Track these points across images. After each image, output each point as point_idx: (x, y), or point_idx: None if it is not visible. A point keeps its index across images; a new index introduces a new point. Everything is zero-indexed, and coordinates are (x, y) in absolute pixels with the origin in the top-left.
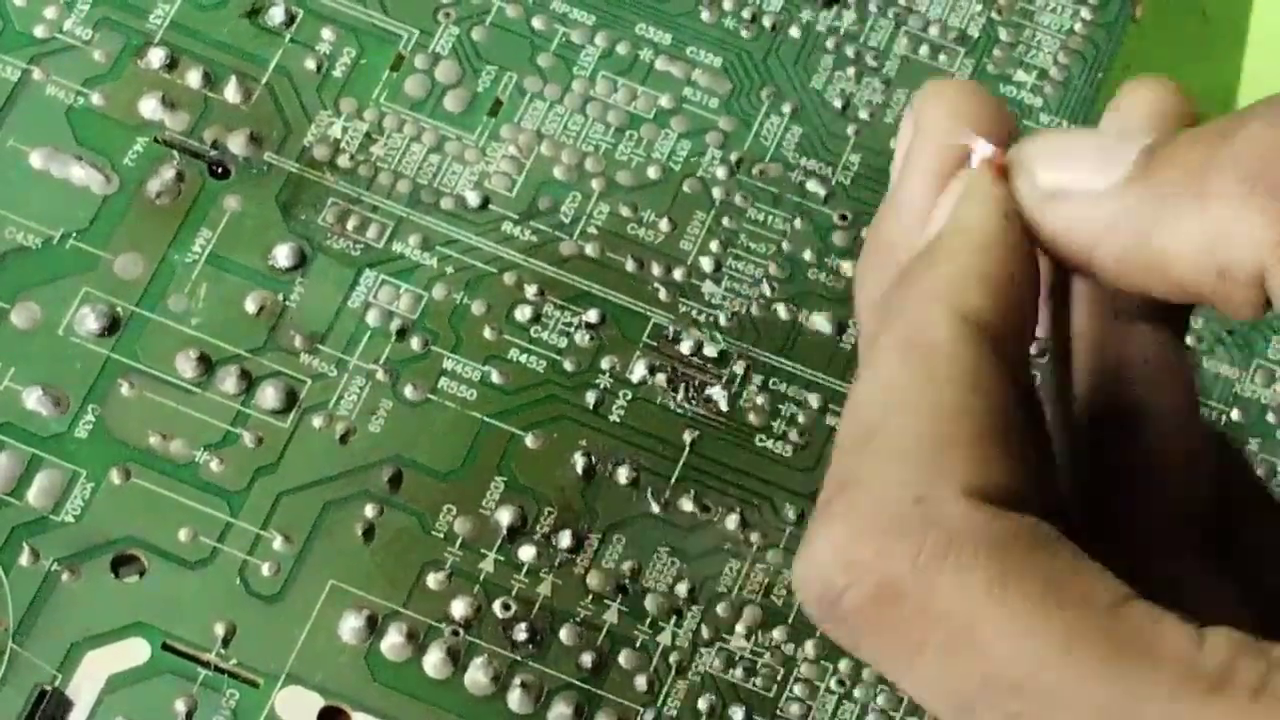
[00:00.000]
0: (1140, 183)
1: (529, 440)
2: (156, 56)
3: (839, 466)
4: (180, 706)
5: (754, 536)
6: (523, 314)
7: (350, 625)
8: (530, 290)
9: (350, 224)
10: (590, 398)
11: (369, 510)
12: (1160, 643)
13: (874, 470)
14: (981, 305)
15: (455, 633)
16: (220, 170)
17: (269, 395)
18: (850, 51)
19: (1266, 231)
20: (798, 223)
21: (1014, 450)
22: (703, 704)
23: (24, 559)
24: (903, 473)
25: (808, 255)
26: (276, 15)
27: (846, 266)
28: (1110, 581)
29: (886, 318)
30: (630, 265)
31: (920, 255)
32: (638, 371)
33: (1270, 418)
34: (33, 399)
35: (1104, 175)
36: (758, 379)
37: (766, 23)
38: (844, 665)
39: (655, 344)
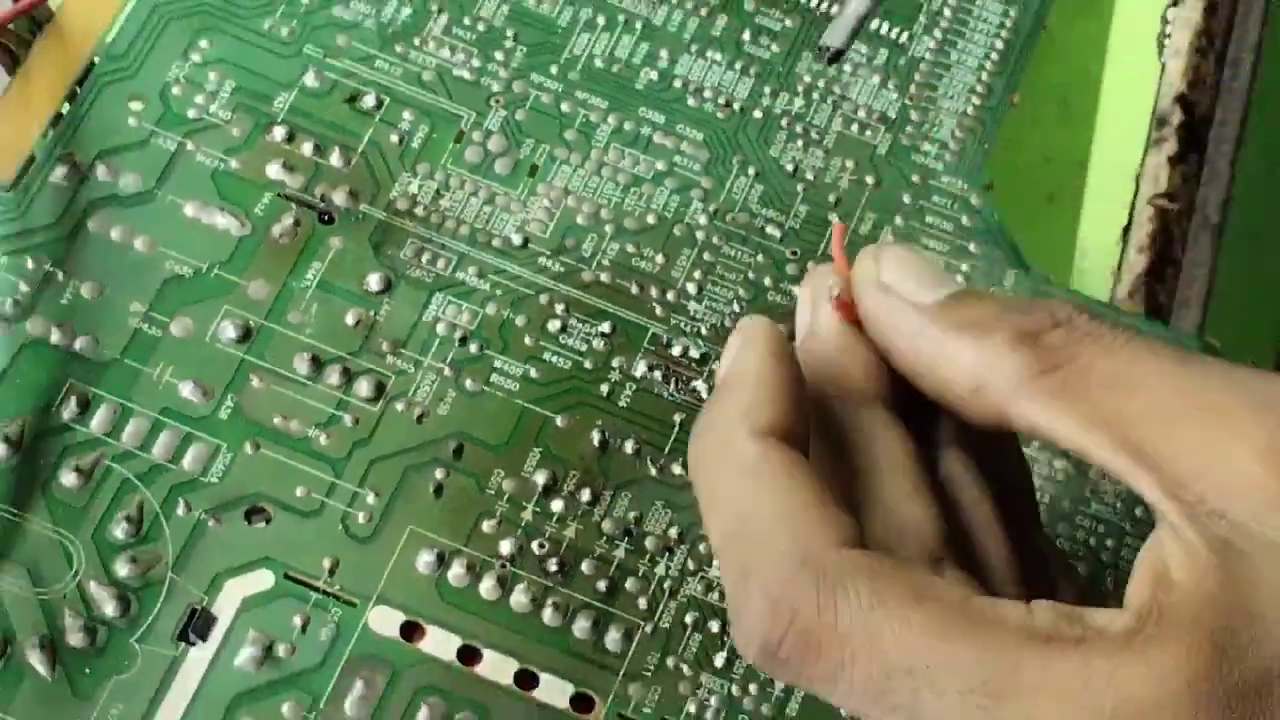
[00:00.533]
0: (951, 308)
1: (559, 421)
2: (279, 132)
3: (731, 559)
4: (297, 621)
5: None
6: (554, 326)
7: (424, 560)
8: (559, 308)
9: (424, 258)
10: (604, 389)
11: (438, 473)
12: (1002, 617)
13: (760, 554)
14: (771, 419)
15: (503, 565)
16: (327, 218)
17: (363, 387)
18: (799, 129)
19: (1016, 371)
20: (760, 257)
21: (841, 503)
22: (688, 619)
23: (180, 510)
24: (781, 547)
25: (767, 281)
26: (369, 101)
27: (795, 289)
28: (956, 585)
29: (700, 434)
30: (634, 289)
31: (716, 391)
32: (640, 369)
33: None
34: (186, 390)
35: (927, 293)
36: None
37: (737, 107)
38: None
39: (653, 348)
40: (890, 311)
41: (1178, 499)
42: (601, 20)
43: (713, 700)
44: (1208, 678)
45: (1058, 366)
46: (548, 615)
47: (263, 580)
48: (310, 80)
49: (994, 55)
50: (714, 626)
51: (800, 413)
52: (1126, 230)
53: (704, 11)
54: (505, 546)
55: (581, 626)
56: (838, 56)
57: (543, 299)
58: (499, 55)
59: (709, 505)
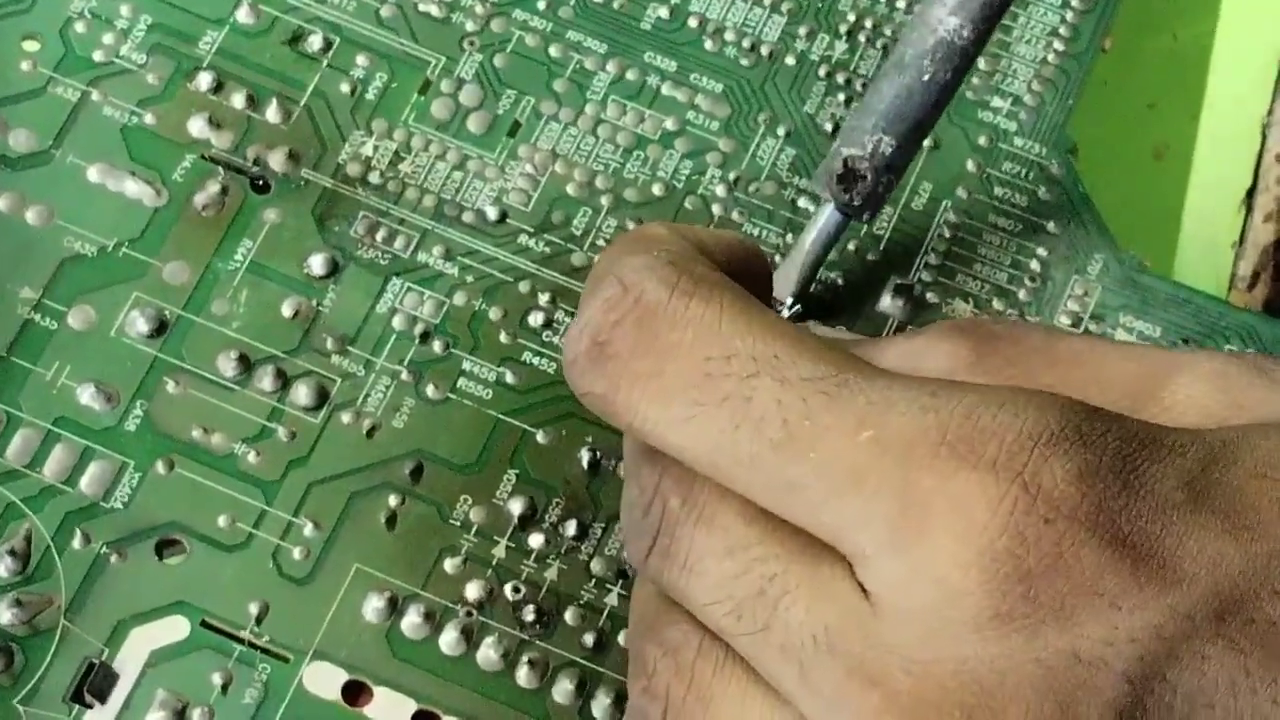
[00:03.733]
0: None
1: (539, 436)
2: (204, 80)
3: (597, 277)
4: (216, 679)
5: None
6: (536, 320)
7: (373, 605)
8: (543, 298)
9: (379, 235)
10: None
11: (392, 500)
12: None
13: (629, 257)
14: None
15: (469, 613)
16: (261, 185)
17: (302, 393)
18: (840, 79)
19: (955, 352)
20: (790, 237)
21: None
22: None
23: (76, 542)
24: (655, 252)
25: None
26: (315, 43)
27: (833, 276)
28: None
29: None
30: None
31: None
32: None
33: None
34: (86, 395)
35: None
36: None
37: (764, 52)
38: None
39: None
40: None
41: None
42: None
43: None
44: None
45: (990, 349)
46: (522, 675)
47: (176, 629)
48: (243, 16)
49: None
50: None
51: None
52: (1250, 194)
53: None
54: (472, 590)
55: (564, 689)
56: (794, 306)
57: (523, 287)
58: None
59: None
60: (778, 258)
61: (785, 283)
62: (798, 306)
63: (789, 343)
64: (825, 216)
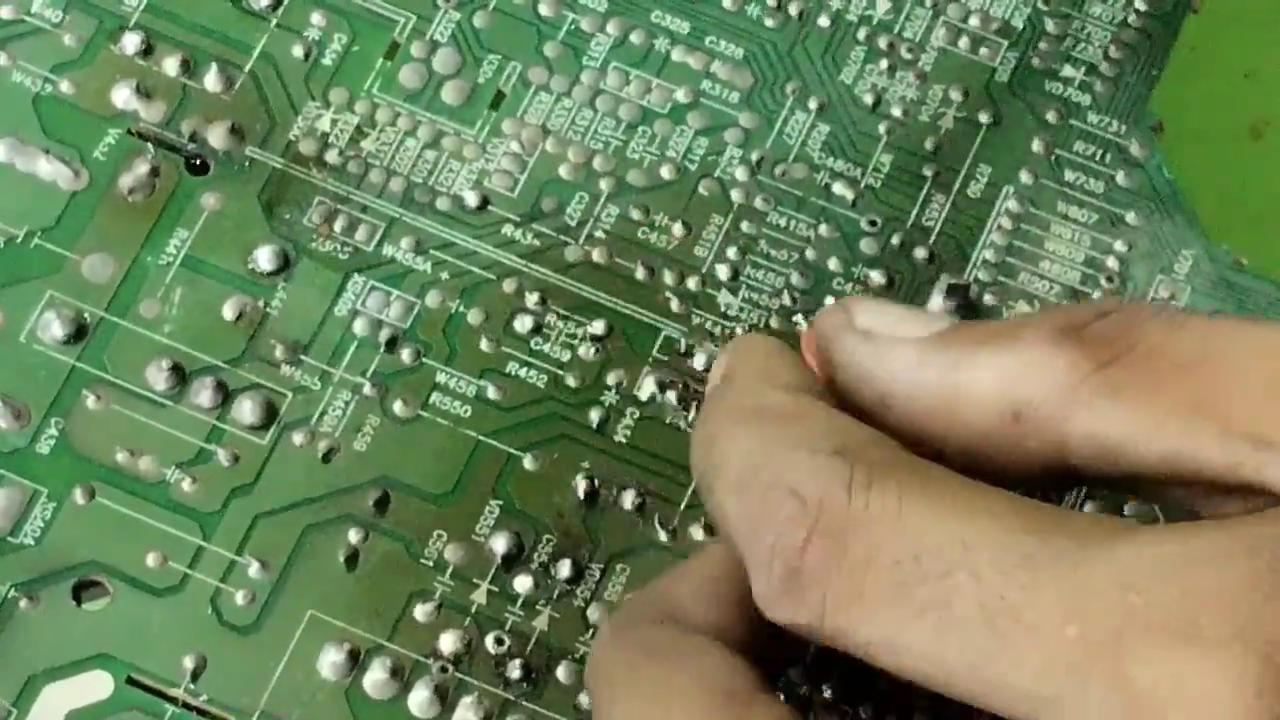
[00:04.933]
0: (952, 334)
1: (527, 461)
2: (131, 41)
3: (745, 495)
4: None
5: None
6: (523, 324)
7: (330, 659)
8: (531, 299)
9: (338, 225)
10: (594, 416)
11: (353, 535)
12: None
13: (784, 458)
14: (797, 377)
15: (444, 669)
16: (198, 165)
17: (246, 409)
18: (883, 43)
19: (1068, 373)
20: (823, 229)
21: None
22: None
23: None
24: (814, 443)
25: (833, 264)
26: None
27: (875, 276)
28: None
29: (707, 413)
30: (640, 273)
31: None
32: (646, 388)
33: None
34: None
35: (919, 328)
36: None
37: (793, 10)
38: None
39: (666, 358)
40: (880, 352)
41: None
42: None
43: None
44: None
45: (1118, 357)
46: None
47: (97, 686)
48: None
49: None
50: None
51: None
52: None
53: None
54: (447, 642)
55: None
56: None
57: (507, 285)
58: None
59: (719, 468)
60: (809, 252)
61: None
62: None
63: (974, 520)
64: None
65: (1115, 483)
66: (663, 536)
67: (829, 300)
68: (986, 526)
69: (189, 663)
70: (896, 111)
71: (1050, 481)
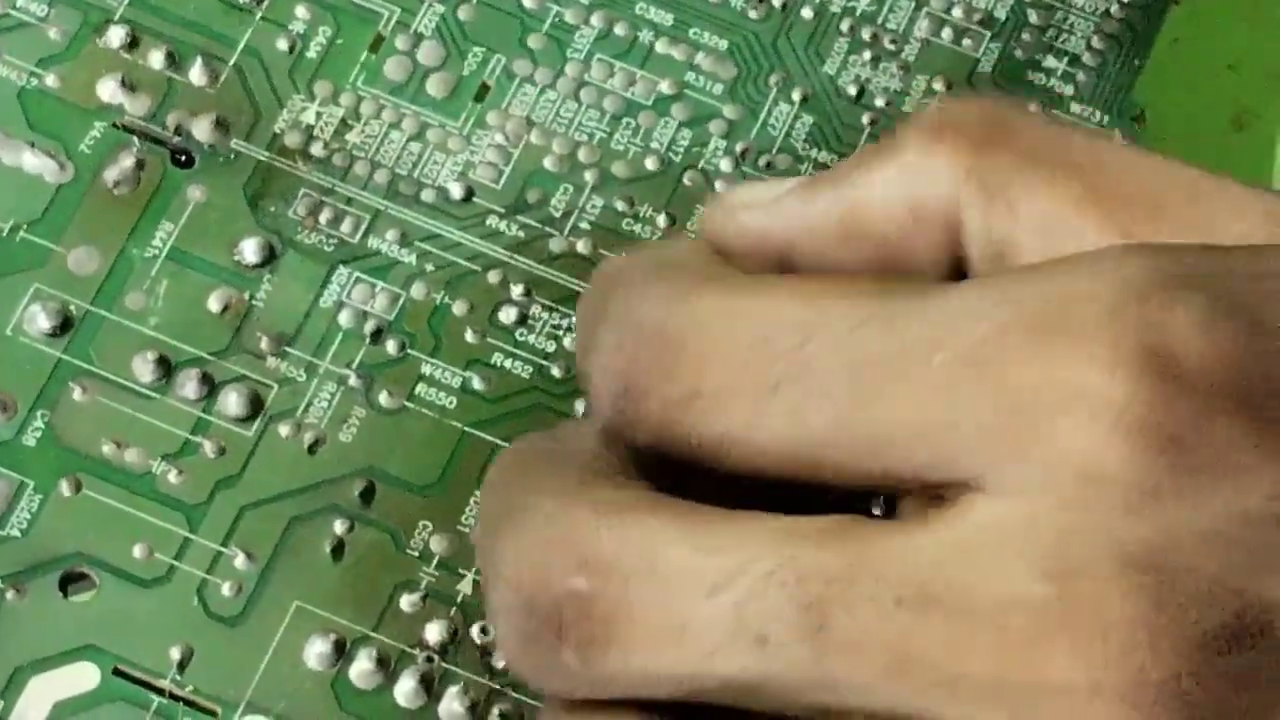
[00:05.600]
0: (833, 169)
1: None
2: (116, 35)
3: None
4: None
5: None
6: (508, 315)
7: (316, 650)
8: (516, 290)
9: (323, 217)
10: (579, 407)
11: (338, 526)
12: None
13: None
14: None
15: (429, 659)
16: (184, 158)
17: (232, 401)
18: (866, 34)
19: (956, 162)
20: None
21: None
22: None
23: None
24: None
25: None
26: None
27: None
28: None
29: None
30: None
31: None
32: None
33: None
34: None
35: (795, 182)
36: None
37: (776, 2)
38: None
39: None
40: (767, 214)
41: None
42: None
43: None
44: None
45: (1003, 144)
46: None
47: (83, 677)
48: None
49: None
50: None
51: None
52: None
53: None
54: (433, 632)
55: None
56: None
57: (492, 277)
58: None
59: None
60: None
61: None
62: None
63: (823, 294)
64: None
65: None
66: None
67: None
68: (828, 296)
69: (175, 654)
70: (880, 102)
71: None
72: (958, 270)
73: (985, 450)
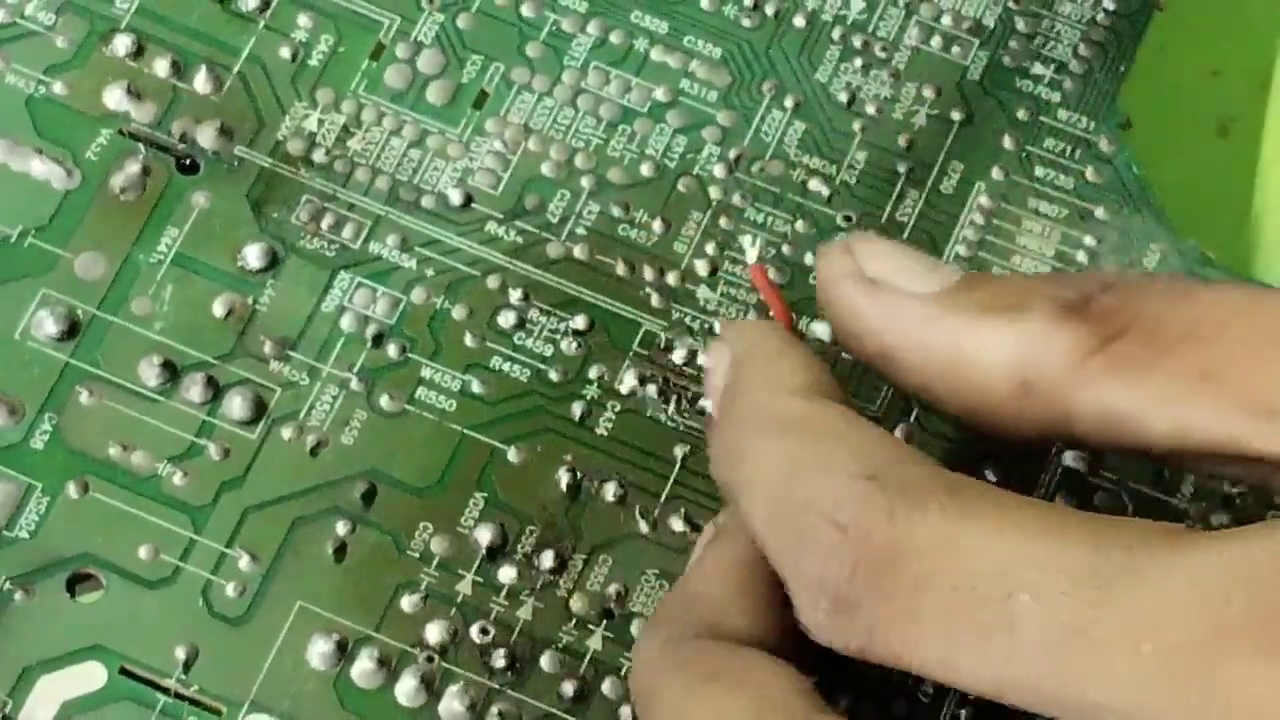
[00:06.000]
0: (961, 295)
1: (511, 454)
2: (122, 43)
3: (782, 518)
4: None
5: None
6: (506, 320)
7: (319, 650)
8: (514, 294)
9: (325, 223)
10: (576, 409)
11: (340, 528)
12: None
13: (820, 487)
14: (811, 378)
15: (430, 658)
16: (188, 165)
17: (236, 404)
18: (857, 42)
19: (1074, 349)
20: (799, 225)
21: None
22: None
23: None
24: (849, 469)
25: (809, 259)
26: (250, 0)
27: None
28: None
29: (725, 422)
30: (621, 268)
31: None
32: (627, 382)
33: None
34: None
35: (928, 282)
36: None
37: (769, 11)
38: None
39: (646, 352)
40: (886, 307)
41: None
42: None
43: None
44: None
45: (1123, 330)
46: None
47: (90, 677)
48: None
49: None
50: None
51: (769, 614)
52: None
53: None
54: (433, 632)
55: None
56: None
57: (491, 281)
58: None
59: (748, 485)
60: (785, 248)
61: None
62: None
63: (1025, 538)
64: None
65: (1124, 453)
66: (643, 527)
67: (809, 291)
68: (1040, 544)
69: (181, 653)
70: (871, 109)
71: (1051, 444)
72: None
73: None
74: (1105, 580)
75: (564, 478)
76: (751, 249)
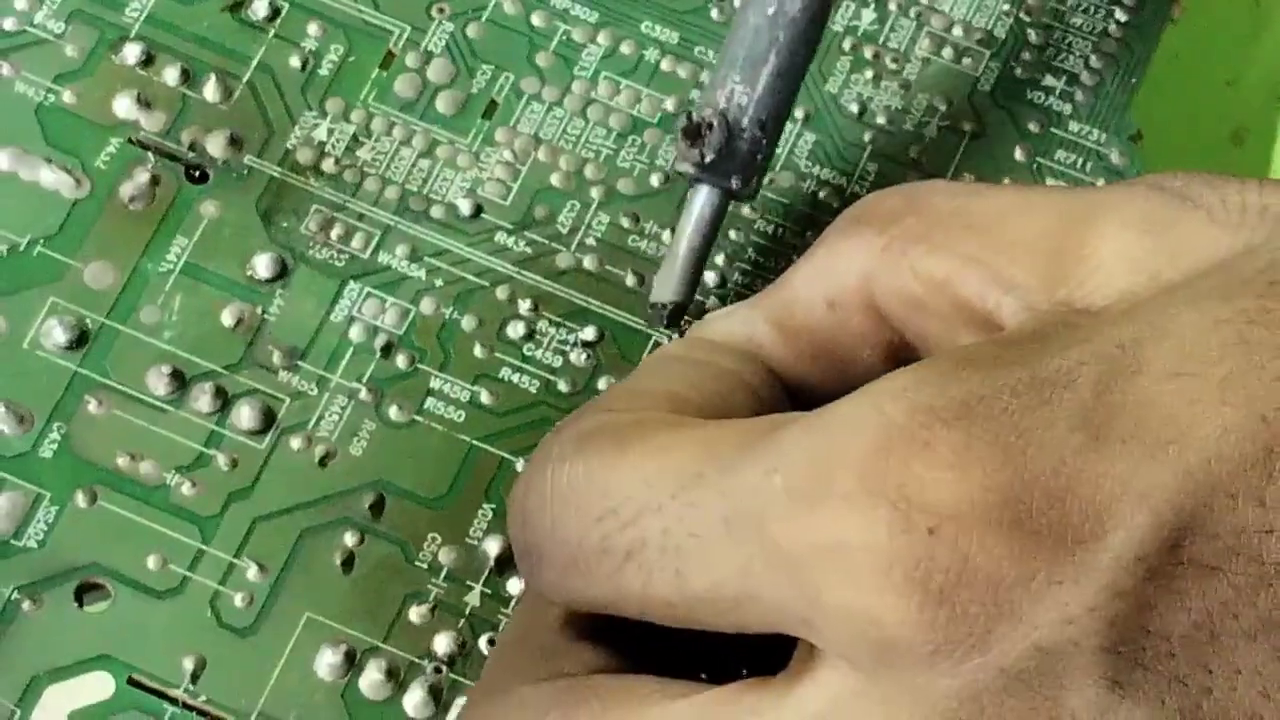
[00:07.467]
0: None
1: (520, 466)
2: (132, 52)
3: None
4: None
5: None
6: (515, 330)
7: (327, 661)
8: (524, 305)
9: (334, 233)
10: None
11: (349, 538)
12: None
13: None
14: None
15: (438, 670)
16: (198, 174)
17: (245, 414)
18: (868, 53)
19: (863, 251)
20: (810, 235)
21: None
22: None
23: None
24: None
25: None
26: (260, 9)
27: None
28: None
29: None
30: (630, 280)
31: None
32: None
33: None
34: None
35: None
36: None
37: None
38: None
39: None
40: (725, 324)
41: None
42: None
43: None
44: None
45: (908, 220)
46: None
47: (98, 686)
48: None
49: None
50: None
51: None
52: None
53: None
54: (442, 643)
55: None
56: (679, 313)
57: (500, 292)
58: None
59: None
60: (796, 259)
61: (666, 283)
62: (675, 308)
63: (652, 459)
64: (699, 197)
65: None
66: None
67: None
68: (664, 461)
69: (189, 664)
70: (881, 120)
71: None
72: (905, 345)
73: (788, 618)
74: (707, 480)
75: None
76: None
